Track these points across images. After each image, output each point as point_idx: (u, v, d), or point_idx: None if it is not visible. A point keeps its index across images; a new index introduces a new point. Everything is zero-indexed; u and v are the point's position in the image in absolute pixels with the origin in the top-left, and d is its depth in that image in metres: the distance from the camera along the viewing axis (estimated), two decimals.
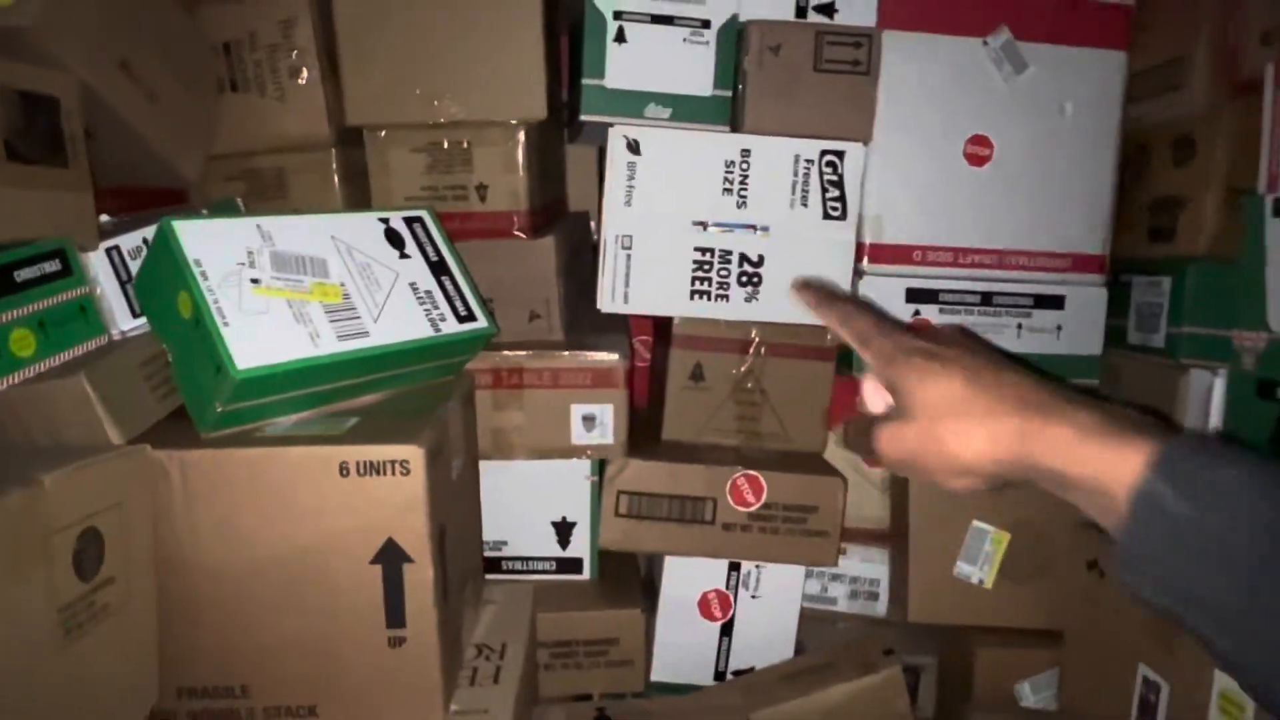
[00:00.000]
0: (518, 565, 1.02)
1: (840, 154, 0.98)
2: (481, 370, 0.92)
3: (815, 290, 0.56)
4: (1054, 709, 0.96)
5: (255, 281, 0.66)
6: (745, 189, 0.98)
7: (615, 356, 0.94)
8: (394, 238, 0.77)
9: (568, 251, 1.03)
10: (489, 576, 0.99)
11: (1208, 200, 0.99)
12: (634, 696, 0.99)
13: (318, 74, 0.93)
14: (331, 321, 0.68)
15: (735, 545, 0.98)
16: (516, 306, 0.95)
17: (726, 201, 0.97)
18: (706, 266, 0.98)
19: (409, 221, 0.79)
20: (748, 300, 0.99)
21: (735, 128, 0.99)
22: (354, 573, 0.66)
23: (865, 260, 1.03)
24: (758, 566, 1.02)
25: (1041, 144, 1.03)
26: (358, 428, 0.68)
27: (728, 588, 1.02)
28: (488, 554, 1.00)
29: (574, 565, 1.02)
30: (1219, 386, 0.93)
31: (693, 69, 0.98)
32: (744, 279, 0.99)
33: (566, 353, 0.94)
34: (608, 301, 0.97)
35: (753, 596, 1.03)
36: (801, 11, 0.98)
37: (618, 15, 0.95)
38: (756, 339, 1.02)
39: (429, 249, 0.79)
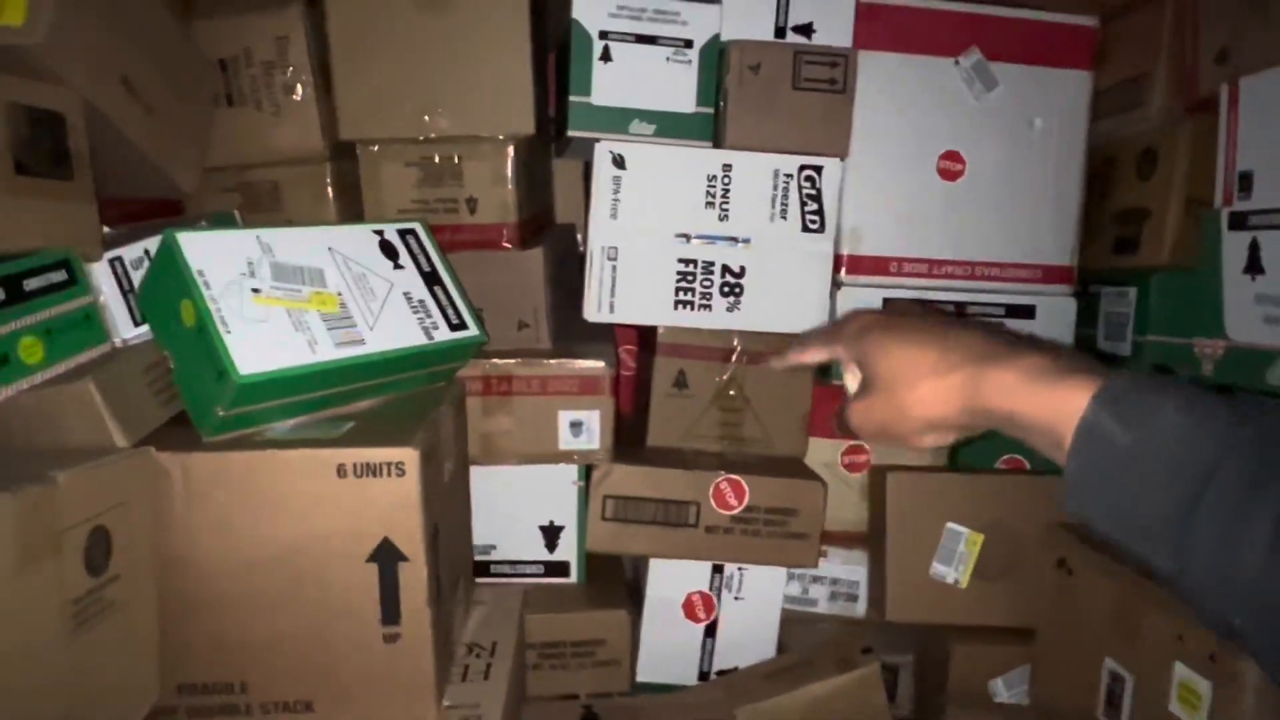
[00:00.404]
0: (506, 569, 1.04)
1: (818, 169, 1.02)
2: (472, 377, 0.95)
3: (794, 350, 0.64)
4: (1026, 704, 1.00)
5: (256, 291, 0.69)
6: (727, 202, 1.01)
7: (602, 364, 0.97)
8: (388, 249, 0.80)
9: (555, 262, 1.06)
10: (478, 580, 1.02)
11: (1170, 211, 1.04)
12: (620, 696, 1.01)
13: (312, 90, 0.96)
14: (329, 329, 0.71)
15: (718, 548, 1.01)
16: (505, 316, 0.98)
17: (709, 214, 1.01)
18: (690, 277, 1.02)
19: (403, 233, 0.82)
20: (730, 310, 1.03)
21: (717, 143, 1.03)
22: (350, 571, 0.69)
23: (843, 271, 1.07)
24: (740, 569, 1.05)
25: (1012, 159, 1.08)
26: (354, 431, 0.71)
27: (711, 590, 1.05)
28: (477, 558, 1.02)
29: (561, 569, 1.05)
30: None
31: (676, 87, 1.02)
32: (726, 289, 1.03)
33: (554, 361, 0.97)
34: (594, 311, 1.01)
35: (735, 598, 1.06)
36: (780, 32, 1.02)
37: (603, 35, 0.99)
38: (738, 347, 1.06)
39: (422, 260, 0.82)
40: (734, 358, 1.06)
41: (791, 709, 0.93)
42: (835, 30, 1.02)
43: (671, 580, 1.05)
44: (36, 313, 0.66)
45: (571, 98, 1.01)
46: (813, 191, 1.03)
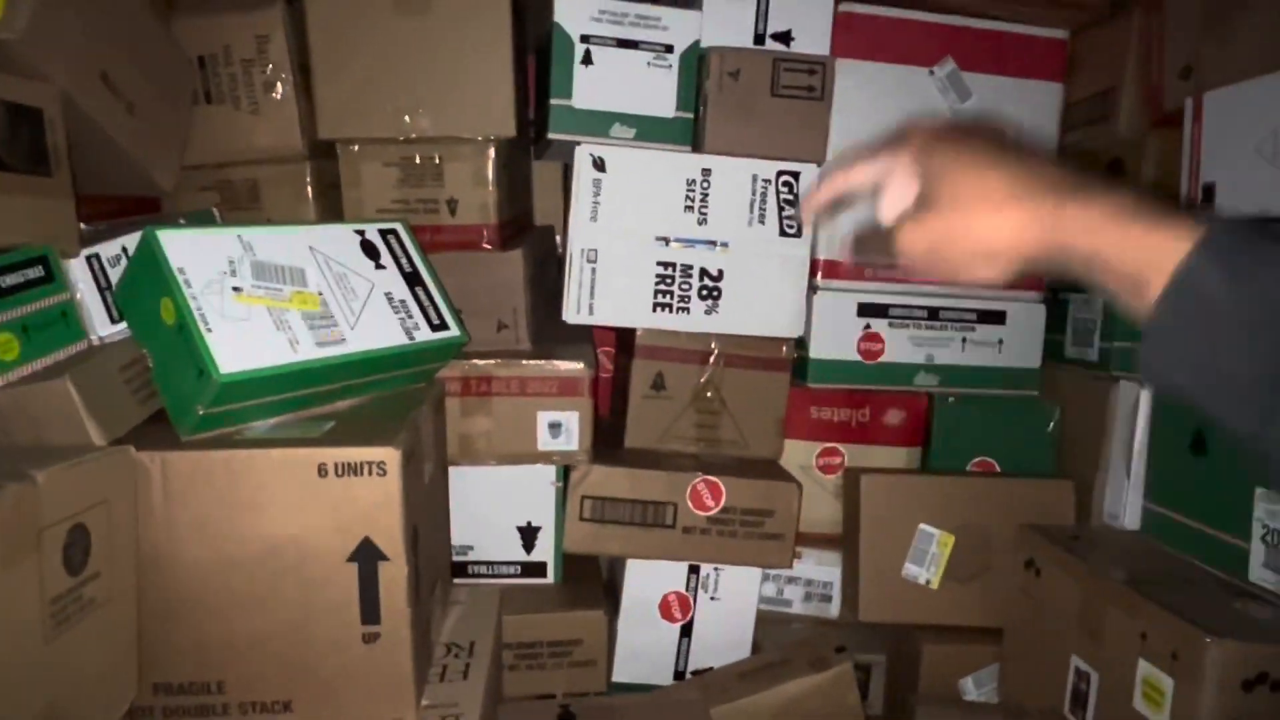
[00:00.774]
0: (483, 570, 1.05)
1: (796, 174, 1.04)
2: (451, 378, 0.95)
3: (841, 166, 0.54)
4: (995, 702, 1.02)
5: (237, 290, 0.69)
6: (706, 206, 1.03)
7: (581, 365, 0.98)
8: (370, 249, 0.80)
9: (534, 264, 1.07)
10: (455, 581, 1.02)
11: None
12: (596, 696, 1.02)
13: (291, 88, 0.96)
14: (310, 328, 0.71)
15: (695, 548, 1.02)
16: (485, 317, 0.99)
17: (688, 218, 1.02)
18: (668, 280, 1.03)
19: (384, 233, 0.82)
20: (708, 313, 1.04)
21: (696, 148, 1.04)
22: (330, 570, 0.69)
23: (819, 276, 1.09)
24: (716, 569, 1.06)
25: None
26: (335, 430, 0.71)
27: (687, 590, 1.06)
28: (454, 558, 1.03)
29: (538, 569, 1.05)
30: (1145, 397, 1.00)
31: (656, 91, 1.03)
32: (704, 292, 1.04)
33: (533, 362, 0.97)
34: (573, 313, 1.01)
35: (711, 598, 1.07)
36: (760, 39, 1.04)
37: (585, 39, 1.00)
38: (716, 350, 1.07)
39: (403, 260, 0.82)
40: (711, 360, 1.07)
41: (766, 708, 0.94)
42: (814, 38, 1.04)
43: (648, 581, 1.05)
44: (12, 309, 0.66)
45: (552, 100, 1.02)
46: (790, 197, 1.04)
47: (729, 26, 1.03)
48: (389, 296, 0.79)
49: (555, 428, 0.97)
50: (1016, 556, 0.97)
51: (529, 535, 1.04)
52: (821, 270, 1.08)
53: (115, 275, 0.75)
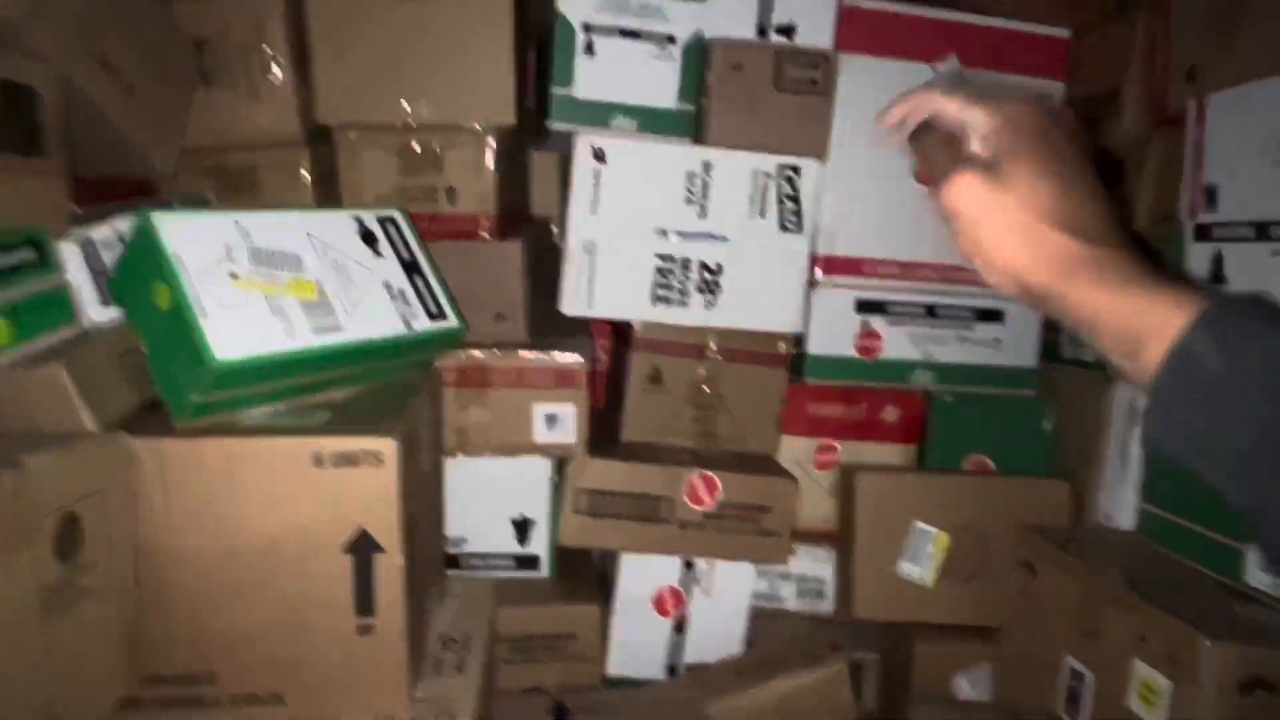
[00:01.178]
0: (476, 562, 1.04)
1: (797, 169, 1.03)
2: (448, 368, 0.94)
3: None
4: (988, 701, 1.02)
5: (233, 275, 0.68)
6: (706, 200, 1.02)
7: (578, 358, 0.97)
8: (368, 236, 0.79)
9: (532, 255, 1.06)
10: (449, 573, 1.01)
11: (1136, 223, 1.06)
12: (589, 690, 1.01)
13: (290, 72, 0.94)
14: (307, 316, 0.70)
15: (690, 543, 1.02)
16: (482, 307, 0.98)
17: (688, 211, 1.02)
18: (668, 273, 1.02)
19: (383, 221, 0.81)
20: (707, 307, 1.04)
21: (698, 140, 1.03)
22: (326, 561, 0.68)
23: (819, 271, 1.08)
24: (710, 564, 1.06)
25: None
26: (332, 420, 0.70)
27: (681, 585, 1.06)
28: (448, 550, 1.02)
29: (532, 562, 1.05)
30: (1142, 398, 1.00)
31: (658, 83, 1.02)
32: (703, 286, 1.03)
33: (531, 353, 0.97)
34: (571, 305, 1.01)
35: (705, 594, 1.06)
36: (763, 31, 1.03)
37: (587, 28, 0.99)
38: (714, 344, 1.06)
39: (402, 248, 0.81)
40: (709, 354, 1.07)
41: (761, 704, 0.94)
42: (817, 32, 1.03)
43: (642, 575, 1.05)
44: (3, 292, 0.65)
45: (554, 90, 1.01)
46: (791, 191, 1.04)
47: (732, 19, 1.02)
48: (387, 285, 0.78)
49: (551, 420, 0.96)
50: (1013, 556, 0.97)
51: (523, 528, 1.04)
52: (821, 266, 1.08)
53: (109, 259, 0.74)
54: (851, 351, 1.10)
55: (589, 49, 1.00)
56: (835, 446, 1.13)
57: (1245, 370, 0.38)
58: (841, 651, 0.98)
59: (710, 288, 1.03)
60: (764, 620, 1.10)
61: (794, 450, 1.12)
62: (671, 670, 1.07)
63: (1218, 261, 0.90)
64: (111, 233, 0.75)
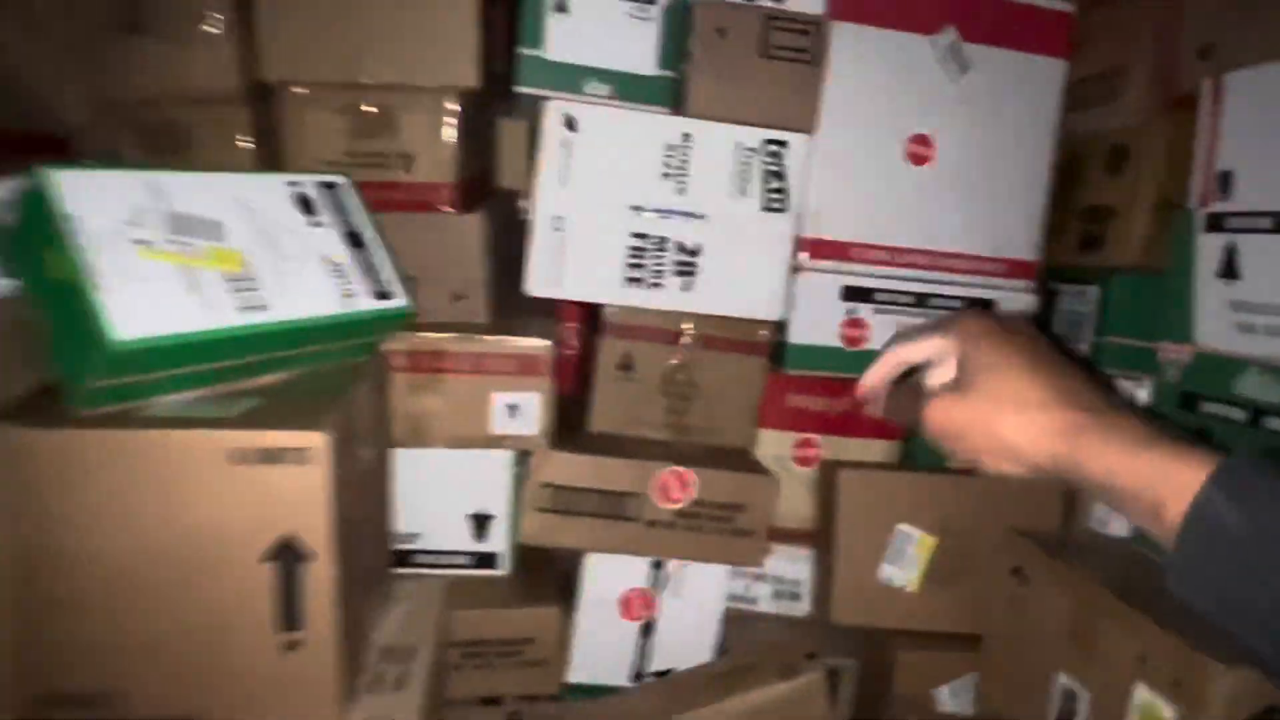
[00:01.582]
0: (430, 559, 0.95)
1: (783, 144, 0.95)
2: (398, 352, 0.85)
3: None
4: (971, 713, 0.95)
5: (142, 243, 0.59)
6: (685, 174, 0.93)
7: (543, 343, 0.88)
8: (305, 204, 0.70)
9: (496, 230, 0.97)
10: (400, 570, 0.93)
11: (1138, 211, 0.99)
12: (548, 699, 0.94)
13: (231, 20, 0.84)
14: (228, 291, 0.61)
15: (660, 543, 0.94)
16: (439, 285, 0.89)
17: (665, 186, 0.93)
18: (642, 253, 0.94)
19: (324, 187, 0.72)
20: (683, 290, 0.95)
21: (677, 110, 0.94)
22: (245, 569, 0.59)
23: (803, 255, 1.00)
24: (681, 565, 0.98)
25: (981, 147, 1.02)
26: (255, 410, 0.61)
27: (650, 586, 0.98)
28: (399, 546, 0.93)
29: (490, 560, 0.96)
30: (1142, 398, 0.93)
31: (636, 46, 0.93)
32: (680, 268, 0.95)
33: (491, 337, 0.88)
34: (538, 285, 0.92)
35: (675, 596, 0.99)
36: None
37: None
38: (689, 330, 0.98)
39: (344, 218, 0.72)
40: (684, 341, 0.99)
41: (730, 717, 0.86)
42: None
43: (608, 576, 0.97)
44: None
45: (521, 50, 0.91)
46: (776, 168, 0.95)
47: None
48: (325, 258, 0.68)
49: (512, 409, 0.88)
50: (1002, 562, 0.90)
51: (481, 524, 0.95)
52: (805, 249, 1.00)
53: (7, 222, 0.64)
54: (835, 341, 1.02)
55: (561, 6, 0.90)
56: (816, 441, 1.05)
57: (1267, 531, 0.38)
58: (817, 660, 0.91)
59: (687, 270, 0.95)
60: (737, 623, 1.03)
61: (772, 445, 1.04)
62: (638, 676, 0.99)
63: (1230, 254, 0.83)
64: (8, 193, 0.65)
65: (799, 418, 1.05)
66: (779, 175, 0.95)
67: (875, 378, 0.57)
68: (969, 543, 0.97)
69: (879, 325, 1.03)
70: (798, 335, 1.01)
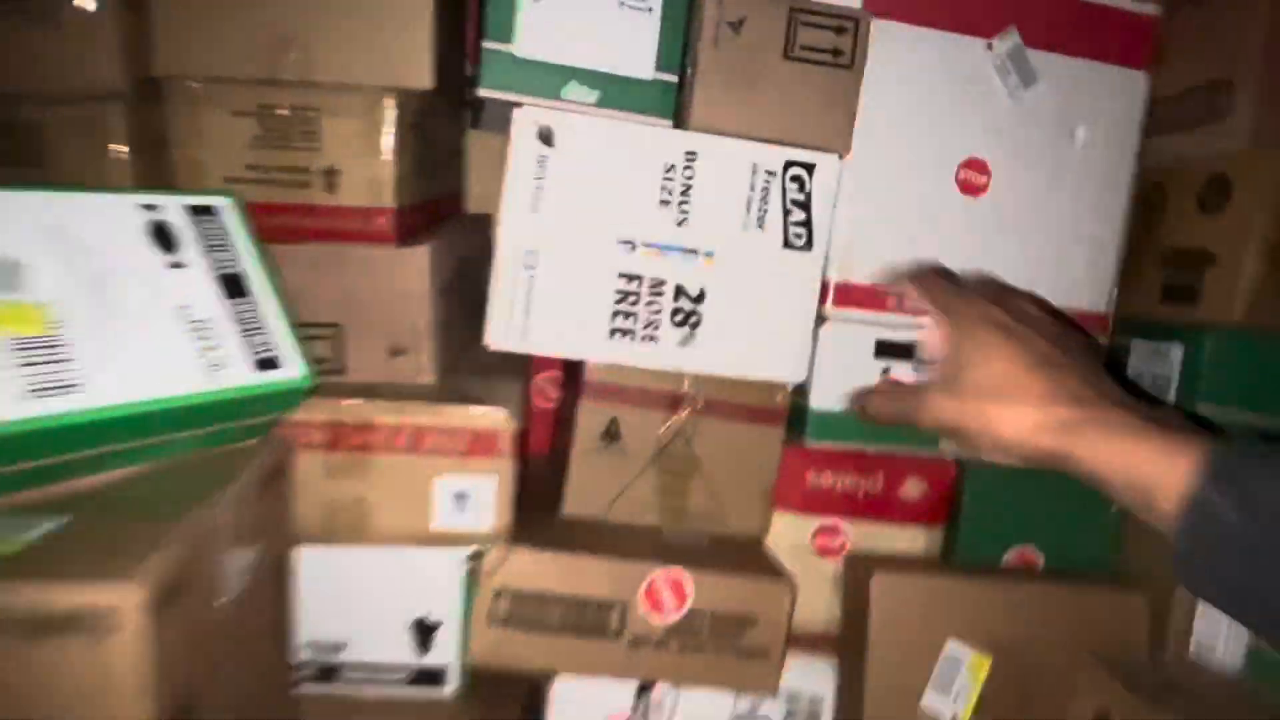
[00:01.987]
0: (359, 675, 0.75)
1: (810, 166, 0.75)
2: (312, 424, 0.65)
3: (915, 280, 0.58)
4: None
5: None
6: (687, 202, 0.74)
7: (500, 414, 0.68)
8: (163, 236, 0.50)
9: (452, 265, 0.77)
10: (320, 689, 0.72)
11: (1243, 257, 0.79)
12: None
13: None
14: (21, 364, 0.41)
15: (647, 666, 0.73)
16: (372, 337, 0.69)
17: (663, 216, 0.73)
18: (632, 298, 0.74)
19: (194, 212, 0.52)
20: (683, 344, 0.75)
21: (679, 123, 0.75)
22: None
23: (829, 303, 0.80)
24: (674, 688, 0.77)
25: (1046, 175, 0.82)
26: (43, 545, 0.41)
27: (635, 714, 0.77)
28: (320, 659, 0.73)
29: (434, 677, 0.76)
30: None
31: (630, 43, 0.73)
32: (680, 317, 0.75)
33: (434, 405, 0.67)
34: (500, 336, 0.72)
35: None
36: None
37: None
38: (691, 393, 0.78)
39: (220, 255, 0.52)
40: (684, 406, 0.78)
41: None
42: None
43: (583, 704, 0.76)
44: None
45: (486, 44, 0.71)
46: (800, 196, 0.76)
47: None
48: (184, 314, 0.48)
49: (460, 500, 0.67)
50: (1082, 703, 0.70)
51: (424, 632, 0.75)
52: (833, 295, 0.80)
53: None
54: None
55: None
56: (842, 528, 0.85)
57: (1259, 519, 0.38)
58: None
59: (688, 319, 0.75)
60: None
61: (789, 532, 0.84)
62: None
63: None
64: None
65: (821, 500, 0.84)
66: (804, 205, 0.76)
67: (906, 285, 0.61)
68: (1034, 667, 0.76)
69: None
70: (821, 399, 0.81)
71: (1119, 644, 0.75)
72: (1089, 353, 0.49)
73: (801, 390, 0.81)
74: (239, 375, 0.48)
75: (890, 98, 0.77)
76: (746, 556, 0.78)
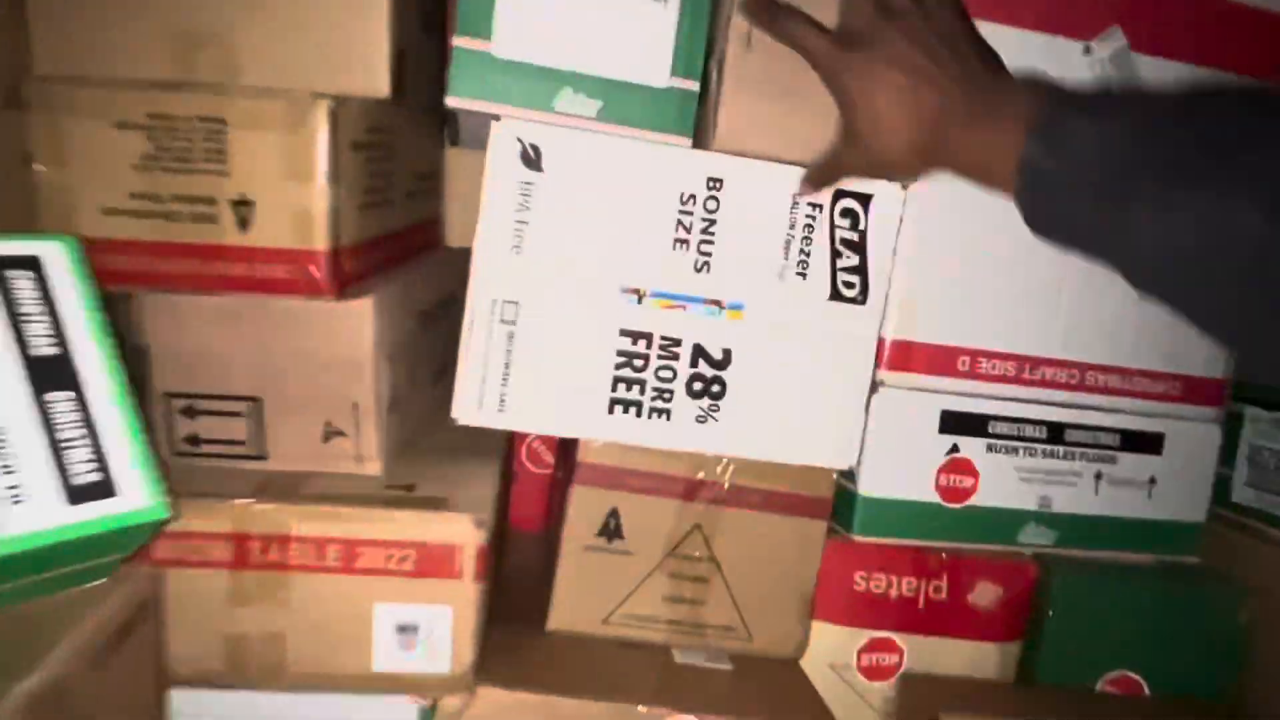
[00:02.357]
0: None
1: (865, 198, 0.59)
2: (211, 537, 0.48)
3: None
4: None
5: None
6: (710, 241, 0.57)
7: (466, 523, 0.51)
8: None
9: (414, 318, 0.60)
10: None
11: None
12: None
13: None
14: None
15: None
16: (300, 414, 0.52)
17: (678, 259, 0.57)
18: (639, 361, 0.57)
19: (7, 265, 0.36)
20: (701, 420, 0.59)
21: (701, 142, 0.58)
22: None
23: (884, 366, 0.63)
24: None
25: None
26: None
27: None
28: None
29: None
30: None
31: (640, 42, 0.57)
32: (698, 385, 0.58)
33: (376, 510, 0.50)
34: (470, 409, 0.56)
35: None
36: None
37: None
38: (711, 479, 0.61)
39: (35, 327, 0.35)
40: (702, 495, 0.62)
41: None
42: None
43: None
44: None
45: (458, 42, 0.55)
46: (853, 235, 0.59)
47: None
48: None
49: (407, 632, 0.50)
50: None
51: None
52: (889, 357, 0.63)
53: None
54: (930, 494, 0.65)
55: None
56: (895, 644, 0.67)
57: (1073, 162, 0.41)
58: None
59: (709, 388, 0.59)
60: None
61: (830, 647, 0.66)
62: None
63: None
64: None
65: (871, 608, 0.67)
66: (857, 246, 0.59)
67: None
68: None
69: (993, 470, 0.66)
70: (872, 485, 0.64)
71: None
72: (947, 40, 0.48)
73: (848, 473, 0.64)
74: (42, 514, 0.32)
75: None
76: (779, 689, 0.60)
